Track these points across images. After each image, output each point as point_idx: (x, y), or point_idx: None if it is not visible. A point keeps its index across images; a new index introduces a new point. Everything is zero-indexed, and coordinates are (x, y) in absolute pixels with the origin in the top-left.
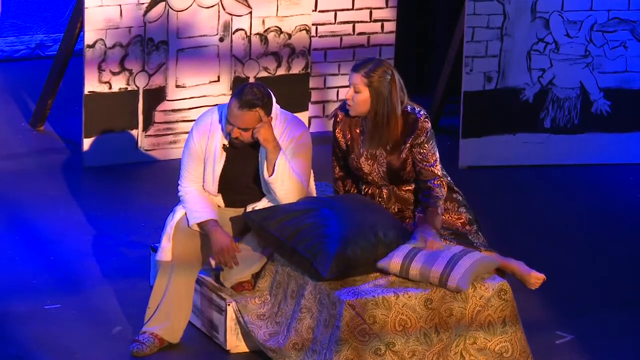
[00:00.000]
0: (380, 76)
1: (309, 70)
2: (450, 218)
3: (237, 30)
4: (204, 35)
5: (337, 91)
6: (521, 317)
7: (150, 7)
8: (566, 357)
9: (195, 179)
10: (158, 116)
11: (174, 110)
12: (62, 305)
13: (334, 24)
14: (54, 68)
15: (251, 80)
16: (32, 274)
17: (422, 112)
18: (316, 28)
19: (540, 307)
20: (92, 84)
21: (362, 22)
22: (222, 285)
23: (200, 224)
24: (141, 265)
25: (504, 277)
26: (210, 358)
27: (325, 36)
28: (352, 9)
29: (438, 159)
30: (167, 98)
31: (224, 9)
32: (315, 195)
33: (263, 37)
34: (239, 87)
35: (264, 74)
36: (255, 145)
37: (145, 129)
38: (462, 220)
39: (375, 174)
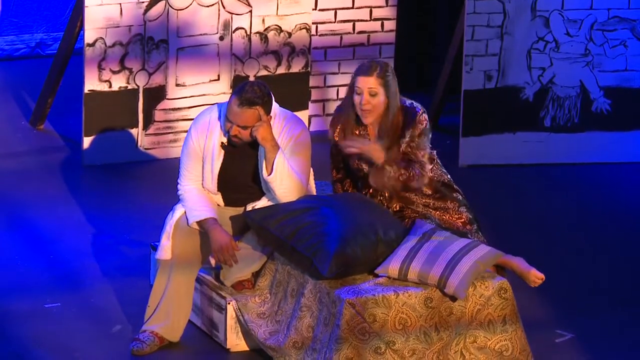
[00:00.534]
0: (390, 74)
1: (309, 69)
2: (450, 218)
3: (237, 29)
4: (204, 34)
5: (337, 90)
6: (521, 315)
7: (150, 5)
8: (566, 356)
9: (194, 177)
10: (158, 115)
11: (174, 109)
12: (62, 304)
13: (334, 22)
14: (54, 67)
15: (251, 79)
16: (32, 272)
17: (419, 107)
18: (316, 27)
19: (540, 305)
20: (92, 83)
21: (362, 20)
22: (222, 284)
23: (199, 223)
24: (141, 264)
25: (504, 275)
26: (210, 357)
27: (326, 35)
28: (352, 7)
29: (427, 155)
30: (167, 97)
31: (224, 8)
32: (315, 193)
33: (263, 36)
34: (239, 85)
35: (264, 72)
36: (254, 144)
37: (145, 127)
38: (462, 220)
39: None
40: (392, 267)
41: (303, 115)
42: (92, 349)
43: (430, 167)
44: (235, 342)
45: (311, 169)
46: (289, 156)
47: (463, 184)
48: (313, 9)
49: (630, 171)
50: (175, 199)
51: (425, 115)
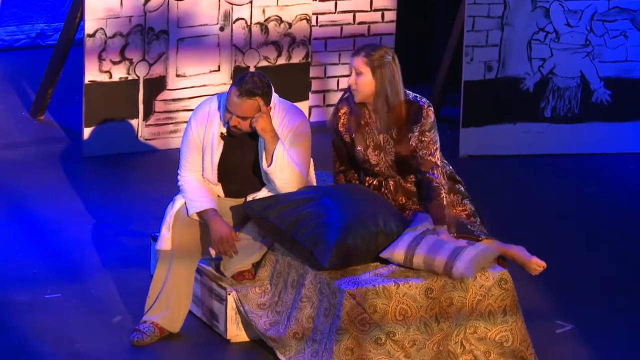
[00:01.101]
0: (381, 56)
1: (309, 60)
2: (454, 210)
3: (237, 19)
4: (204, 25)
5: (338, 80)
6: (521, 306)
7: None
8: (566, 346)
9: (194, 168)
10: (158, 105)
11: (174, 100)
12: (62, 295)
13: (335, 13)
14: (54, 57)
15: (251, 69)
16: (32, 263)
17: (424, 101)
18: (316, 17)
19: (540, 296)
20: (92, 74)
21: (362, 11)
22: (223, 274)
23: (199, 213)
24: (141, 255)
25: (505, 265)
26: (210, 347)
27: (326, 25)
28: None
29: (438, 148)
30: (168, 87)
31: None
32: (315, 184)
33: (263, 27)
34: (239, 75)
35: (264, 63)
36: (253, 134)
37: (145, 118)
38: (466, 212)
39: (382, 164)
40: (398, 251)
41: (303, 106)
42: (92, 340)
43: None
44: (236, 332)
45: (311, 160)
46: (288, 147)
47: (463, 174)
48: (313, 0)
49: (631, 162)
50: (176, 190)
51: (431, 109)
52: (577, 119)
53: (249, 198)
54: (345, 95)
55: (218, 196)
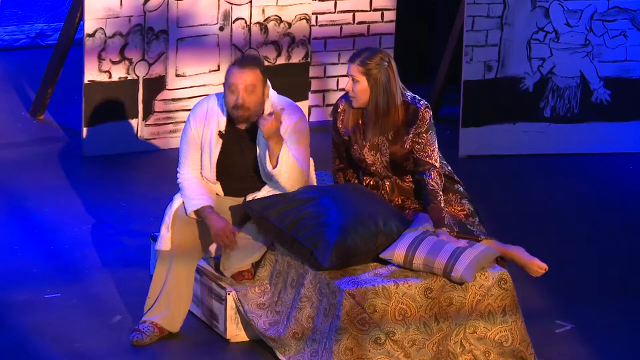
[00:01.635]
0: (377, 64)
1: (309, 60)
2: (453, 210)
3: (237, 19)
4: (204, 25)
5: (337, 80)
6: (521, 306)
7: None
8: (566, 346)
9: (193, 166)
10: (158, 105)
11: (174, 100)
12: (62, 294)
13: (334, 12)
14: (54, 57)
15: None
16: (32, 262)
17: (422, 102)
18: (316, 17)
19: (540, 296)
20: (92, 73)
21: (362, 11)
22: (222, 274)
23: (197, 211)
24: (141, 254)
25: (505, 265)
26: (210, 347)
27: (325, 25)
28: None
29: (436, 149)
30: (167, 87)
31: None
32: (315, 183)
33: (263, 26)
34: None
35: (264, 63)
36: (252, 133)
37: (145, 118)
38: (465, 212)
39: (378, 164)
40: (398, 252)
41: (303, 105)
42: (92, 339)
43: (436, 157)
44: (235, 332)
45: (311, 159)
46: (289, 144)
47: (463, 174)
48: (313, 0)
49: (630, 161)
50: (175, 189)
51: (428, 110)
52: (576, 118)
53: (249, 197)
54: (345, 93)
55: (217, 195)
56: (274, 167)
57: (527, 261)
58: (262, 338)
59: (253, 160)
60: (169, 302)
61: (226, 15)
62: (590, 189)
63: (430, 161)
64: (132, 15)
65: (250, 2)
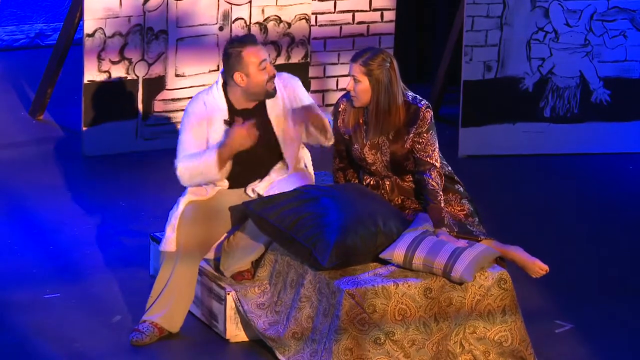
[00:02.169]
0: (379, 64)
1: (308, 60)
2: (453, 210)
3: (236, 19)
4: (203, 25)
5: (337, 80)
6: (521, 306)
7: None
8: (566, 346)
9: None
10: (157, 105)
11: (173, 100)
12: (62, 294)
13: (334, 12)
14: (54, 57)
15: None
16: (32, 263)
17: (423, 102)
18: (316, 17)
19: (539, 296)
20: (91, 73)
21: (361, 11)
22: (222, 274)
23: (219, 157)
24: (141, 254)
25: (505, 265)
26: (209, 347)
27: (325, 25)
28: None
29: (437, 149)
30: (167, 87)
31: None
32: (314, 182)
33: (262, 26)
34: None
35: None
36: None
37: (144, 118)
38: (464, 212)
39: (379, 163)
40: (398, 252)
41: None
42: (91, 339)
43: (437, 157)
44: (235, 332)
45: (310, 160)
46: (303, 103)
47: (462, 174)
48: (312, 0)
49: (630, 161)
50: (176, 189)
51: (429, 110)
52: (576, 118)
53: (249, 189)
54: (347, 93)
55: (220, 189)
56: (329, 140)
57: (528, 262)
58: (261, 338)
59: (263, 147)
60: (170, 302)
61: (226, 15)
62: (590, 189)
63: (431, 161)
64: (131, 15)
65: (250, 2)
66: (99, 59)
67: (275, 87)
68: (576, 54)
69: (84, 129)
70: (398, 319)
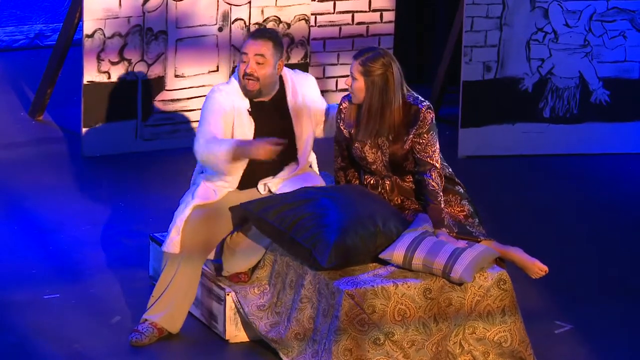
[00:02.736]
0: (378, 67)
1: (308, 60)
2: (453, 211)
3: (236, 20)
4: (203, 25)
5: (336, 81)
6: (520, 306)
7: None
8: (565, 347)
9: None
10: (157, 106)
11: (173, 100)
12: (62, 295)
13: (333, 13)
14: (53, 58)
15: None
16: (32, 263)
17: (424, 103)
18: (315, 18)
19: (539, 296)
20: (91, 74)
21: (361, 11)
22: (219, 272)
23: (233, 155)
24: (140, 255)
25: (504, 266)
26: (209, 348)
27: (324, 26)
28: None
29: (437, 150)
30: (166, 88)
31: None
32: (317, 174)
33: (262, 27)
34: None
35: None
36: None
37: (144, 118)
38: (464, 213)
39: (379, 162)
40: (397, 252)
41: None
42: (91, 340)
43: (437, 157)
44: (234, 333)
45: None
46: (317, 101)
47: (462, 174)
48: (312, 0)
49: (630, 162)
50: (175, 189)
51: (430, 111)
52: (575, 119)
53: (261, 183)
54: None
55: (230, 191)
56: None
57: (527, 262)
58: (264, 340)
59: (282, 132)
60: (171, 302)
61: (225, 16)
62: (590, 189)
63: (431, 162)
64: (131, 16)
65: (250, 2)
66: (99, 59)
67: (251, 87)
68: (576, 54)
69: (84, 129)
70: (397, 319)
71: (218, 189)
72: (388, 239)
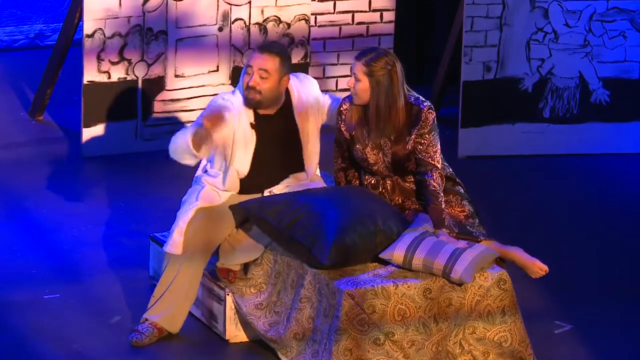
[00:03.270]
0: (382, 67)
1: (308, 60)
2: (453, 211)
3: (236, 20)
4: (203, 25)
5: (337, 81)
6: (520, 306)
7: None
8: (565, 347)
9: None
10: (157, 106)
11: (173, 100)
12: (61, 295)
13: (333, 13)
14: (53, 58)
15: None
16: (31, 263)
17: (426, 104)
18: (315, 17)
19: (539, 296)
20: (91, 74)
21: (361, 11)
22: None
23: (194, 140)
24: (140, 255)
25: (504, 266)
26: (209, 348)
27: (325, 26)
28: None
29: (439, 150)
30: (166, 88)
31: None
32: (321, 179)
33: (262, 27)
34: None
35: None
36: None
37: (144, 118)
38: (465, 214)
39: (380, 163)
40: (397, 252)
41: None
42: (91, 340)
43: (439, 158)
44: (234, 333)
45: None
46: (320, 104)
47: (462, 174)
48: (312, 0)
49: (630, 162)
50: (175, 189)
51: (432, 112)
52: (575, 119)
53: (266, 192)
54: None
55: (233, 194)
56: None
57: (528, 262)
58: (263, 339)
59: (287, 145)
60: (172, 302)
61: (225, 16)
62: (590, 190)
63: (432, 162)
64: (131, 16)
65: (250, 2)
66: (99, 59)
67: (253, 99)
68: (576, 54)
69: (84, 129)
70: (397, 319)
71: (221, 192)
72: (388, 238)
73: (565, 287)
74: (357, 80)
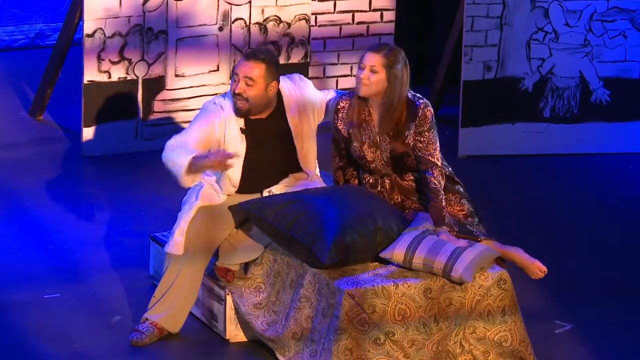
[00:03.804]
0: (399, 60)
1: (308, 60)
2: (452, 210)
3: (236, 19)
4: (203, 25)
5: (337, 80)
6: (520, 306)
7: None
8: (565, 346)
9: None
10: (157, 105)
11: (173, 100)
12: (61, 295)
13: (333, 13)
14: (53, 57)
15: None
16: (31, 263)
17: (421, 101)
18: (315, 17)
19: (539, 296)
20: (91, 74)
21: (361, 11)
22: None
23: (187, 167)
24: (141, 255)
25: (504, 266)
26: (209, 348)
27: (325, 25)
28: None
29: (438, 148)
30: (167, 87)
31: None
32: (320, 178)
33: (262, 27)
34: None
35: None
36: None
37: (144, 118)
38: (464, 212)
39: (378, 161)
40: (398, 252)
41: None
42: (91, 340)
43: (438, 155)
44: (235, 332)
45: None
46: (316, 104)
47: (462, 174)
48: (312, 0)
49: (630, 162)
50: (175, 189)
51: (429, 109)
52: (576, 119)
53: (265, 192)
54: (346, 92)
55: (228, 195)
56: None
57: (527, 263)
58: (261, 339)
59: (280, 155)
60: (173, 302)
61: (225, 16)
62: (590, 189)
63: (433, 160)
64: (131, 16)
65: (250, 2)
66: (99, 59)
67: (240, 106)
68: (576, 54)
69: (84, 129)
70: (398, 319)
71: (221, 192)
72: (388, 236)
73: (565, 287)
74: (374, 72)
